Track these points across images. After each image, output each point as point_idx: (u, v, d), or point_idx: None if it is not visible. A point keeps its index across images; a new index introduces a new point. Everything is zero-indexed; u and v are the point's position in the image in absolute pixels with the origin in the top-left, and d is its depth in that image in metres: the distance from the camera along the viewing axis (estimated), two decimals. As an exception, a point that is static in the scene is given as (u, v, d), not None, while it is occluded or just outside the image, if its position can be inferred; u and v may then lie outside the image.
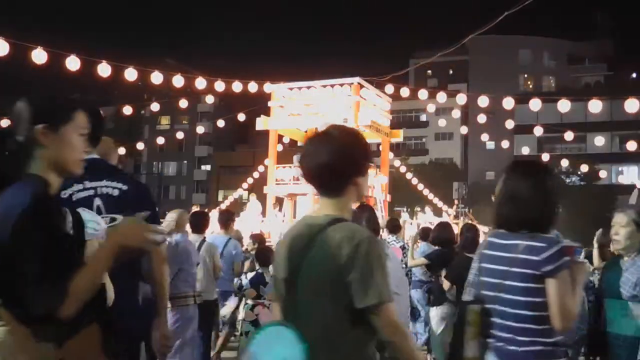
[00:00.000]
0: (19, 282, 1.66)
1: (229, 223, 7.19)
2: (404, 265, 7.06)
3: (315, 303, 1.87)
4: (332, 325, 1.85)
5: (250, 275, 6.23)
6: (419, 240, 7.98)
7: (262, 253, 6.37)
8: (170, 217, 5.55)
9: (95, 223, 2.14)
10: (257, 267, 6.29)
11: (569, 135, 20.45)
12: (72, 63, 11.69)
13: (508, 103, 15.45)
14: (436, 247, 6.71)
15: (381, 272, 1.84)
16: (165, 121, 59.98)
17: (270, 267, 6.43)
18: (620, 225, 3.44)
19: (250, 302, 6.07)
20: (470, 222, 11.41)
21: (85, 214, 2.14)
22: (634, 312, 3.20)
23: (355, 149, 1.99)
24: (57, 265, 1.70)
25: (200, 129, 28.47)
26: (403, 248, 7.99)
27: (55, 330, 1.72)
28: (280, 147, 19.28)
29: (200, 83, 14.26)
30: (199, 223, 6.37)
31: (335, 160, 1.93)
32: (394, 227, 8.30)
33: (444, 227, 6.76)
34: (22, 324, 1.70)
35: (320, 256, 1.86)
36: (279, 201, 18.71)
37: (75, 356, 1.77)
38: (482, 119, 18.88)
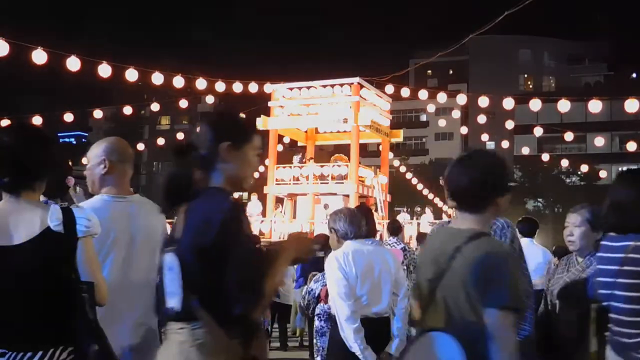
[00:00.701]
0: (222, 284, 1.77)
1: None
2: (404, 267, 7.05)
3: (459, 305, 2.06)
4: (478, 326, 2.01)
5: None
6: (418, 246, 8.06)
7: None
8: None
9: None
10: None
11: (569, 135, 20.45)
12: (72, 63, 11.70)
13: (508, 103, 15.45)
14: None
15: (516, 282, 2.06)
16: (165, 121, 59.97)
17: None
18: (574, 225, 3.40)
19: None
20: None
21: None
22: (591, 314, 3.20)
23: (498, 173, 2.21)
24: (254, 268, 1.85)
25: (200, 129, 28.47)
26: (404, 250, 7.99)
27: (245, 331, 1.85)
28: (280, 147, 19.28)
29: (201, 83, 14.26)
30: None
31: (479, 183, 2.16)
32: (395, 229, 8.35)
33: None
34: (218, 325, 1.81)
35: (467, 264, 2.06)
36: (279, 201, 18.71)
37: (260, 356, 1.93)
38: (482, 119, 18.89)
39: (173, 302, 1.85)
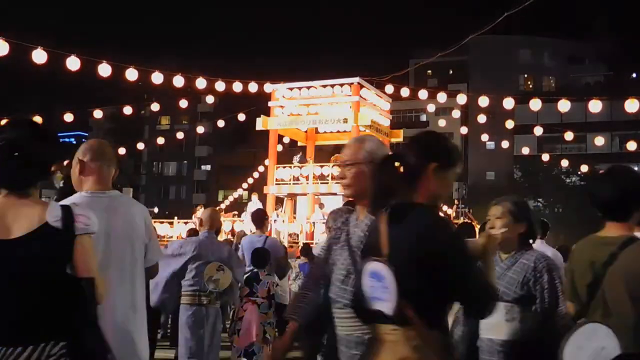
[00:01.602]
0: (437, 292, 1.93)
1: (264, 222, 7.19)
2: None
3: (623, 303, 2.26)
4: (634, 319, 2.20)
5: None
6: None
7: (258, 254, 6.36)
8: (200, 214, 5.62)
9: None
10: (251, 267, 6.32)
11: (569, 135, 20.45)
12: (72, 63, 11.70)
13: (508, 103, 15.45)
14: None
15: None
16: (165, 121, 59.90)
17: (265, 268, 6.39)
18: (495, 217, 3.14)
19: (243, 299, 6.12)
20: (467, 221, 11.38)
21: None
22: (520, 314, 2.95)
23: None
24: (483, 274, 2.10)
25: (200, 129, 28.41)
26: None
27: (447, 336, 2.08)
28: (280, 147, 19.26)
29: (201, 83, 14.26)
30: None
31: (627, 195, 2.48)
32: None
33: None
34: (429, 328, 1.94)
35: (625, 267, 2.28)
36: (279, 201, 18.70)
37: None
38: (482, 119, 18.88)
39: (382, 307, 1.96)
